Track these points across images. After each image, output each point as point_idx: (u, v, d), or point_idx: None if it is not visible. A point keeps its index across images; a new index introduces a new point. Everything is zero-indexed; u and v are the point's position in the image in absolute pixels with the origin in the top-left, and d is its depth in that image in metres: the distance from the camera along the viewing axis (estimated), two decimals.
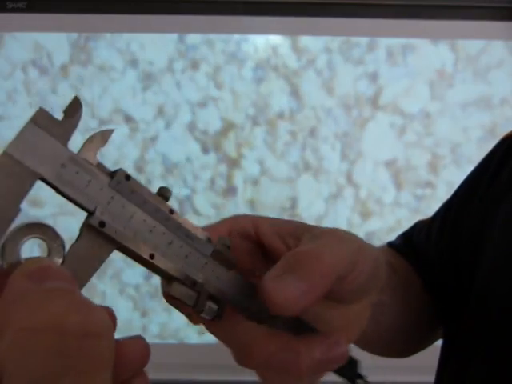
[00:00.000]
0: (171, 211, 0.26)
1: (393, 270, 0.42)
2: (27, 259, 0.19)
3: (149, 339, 0.23)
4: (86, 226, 0.23)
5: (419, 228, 0.54)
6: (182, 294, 0.27)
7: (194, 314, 0.29)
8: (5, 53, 1.26)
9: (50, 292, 0.17)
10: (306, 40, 1.27)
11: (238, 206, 1.26)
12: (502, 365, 0.38)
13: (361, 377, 0.33)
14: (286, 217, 1.24)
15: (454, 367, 0.45)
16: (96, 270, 0.23)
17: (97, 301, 0.18)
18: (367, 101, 1.27)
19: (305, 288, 0.26)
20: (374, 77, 1.27)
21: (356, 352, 0.34)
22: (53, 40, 1.27)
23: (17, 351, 0.16)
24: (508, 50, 1.26)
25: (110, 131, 0.24)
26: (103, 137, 0.23)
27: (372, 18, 1.25)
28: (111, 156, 1.25)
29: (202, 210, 1.27)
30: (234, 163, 1.27)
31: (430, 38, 1.27)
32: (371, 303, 0.36)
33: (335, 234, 0.31)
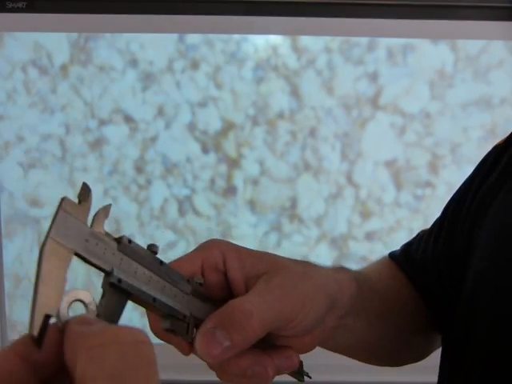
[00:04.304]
0: (161, 262, 0.33)
1: (372, 290, 0.46)
2: (74, 317, 0.25)
3: None
4: (108, 284, 0.29)
5: (420, 237, 0.56)
6: (177, 326, 0.34)
7: (183, 344, 0.37)
8: (5, 53, 1.26)
9: (103, 325, 0.24)
10: (305, 40, 1.27)
11: (238, 206, 1.26)
12: (491, 367, 0.39)
13: (306, 374, 0.42)
14: (285, 217, 1.24)
15: (448, 370, 0.47)
16: (119, 317, 0.29)
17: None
18: (367, 101, 1.27)
19: (229, 345, 0.33)
20: (374, 77, 1.27)
21: None
22: (53, 40, 1.26)
23: (95, 359, 0.21)
24: (508, 50, 1.26)
25: (109, 206, 0.29)
26: (105, 211, 0.29)
27: (372, 17, 1.25)
28: (111, 156, 1.25)
29: (202, 210, 1.27)
30: (233, 163, 1.27)
31: (429, 38, 1.27)
32: (327, 327, 0.41)
33: (289, 278, 0.37)
